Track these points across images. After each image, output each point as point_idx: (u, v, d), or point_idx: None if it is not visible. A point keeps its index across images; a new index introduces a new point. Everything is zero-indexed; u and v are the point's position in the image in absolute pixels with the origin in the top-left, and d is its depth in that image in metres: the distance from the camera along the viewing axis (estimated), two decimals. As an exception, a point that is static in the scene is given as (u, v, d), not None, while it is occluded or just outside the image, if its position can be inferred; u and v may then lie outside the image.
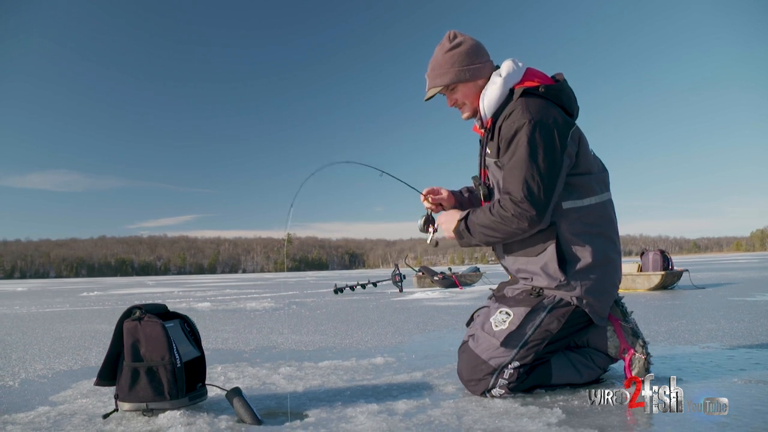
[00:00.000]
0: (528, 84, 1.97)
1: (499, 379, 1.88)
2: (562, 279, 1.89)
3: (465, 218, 2.01)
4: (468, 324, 2.14)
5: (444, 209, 2.30)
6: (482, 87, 2.07)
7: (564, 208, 1.92)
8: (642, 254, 7.93)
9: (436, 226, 2.22)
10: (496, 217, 1.90)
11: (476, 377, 1.90)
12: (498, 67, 2.07)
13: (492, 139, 2.03)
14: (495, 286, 2.17)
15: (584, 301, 1.90)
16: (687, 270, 8.25)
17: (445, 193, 2.30)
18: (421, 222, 2.24)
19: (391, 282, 10.51)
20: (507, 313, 1.93)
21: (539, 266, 1.94)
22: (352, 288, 10.33)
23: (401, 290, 10.08)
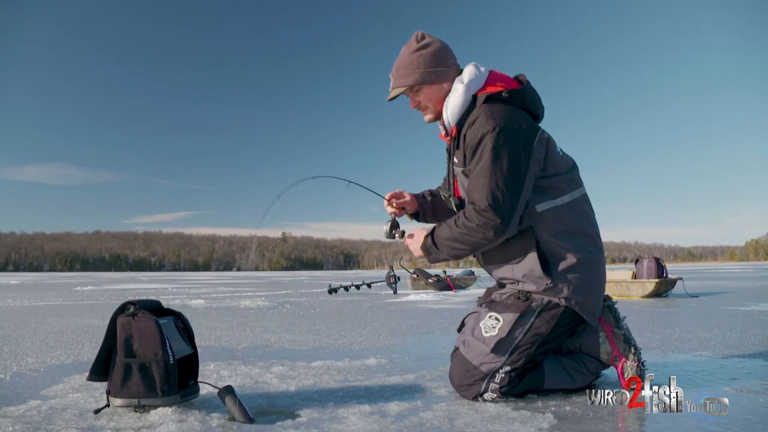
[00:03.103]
0: (491, 89, 1.95)
1: (491, 384, 1.88)
2: (549, 282, 1.89)
3: (431, 234, 2.00)
4: (459, 329, 2.12)
5: (407, 213, 2.29)
6: (447, 91, 2.04)
7: (538, 211, 1.91)
8: (637, 261, 7.95)
9: (402, 230, 2.20)
10: (462, 229, 1.89)
11: (467, 382, 1.90)
12: (462, 72, 2.04)
13: (458, 147, 2.00)
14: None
15: (573, 301, 1.89)
16: (681, 278, 8.26)
17: (408, 197, 2.28)
18: (387, 228, 2.22)
19: (385, 283, 10.49)
20: (496, 318, 1.92)
21: (522, 273, 1.93)
22: (346, 288, 10.32)
23: (395, 292, 10.08)
